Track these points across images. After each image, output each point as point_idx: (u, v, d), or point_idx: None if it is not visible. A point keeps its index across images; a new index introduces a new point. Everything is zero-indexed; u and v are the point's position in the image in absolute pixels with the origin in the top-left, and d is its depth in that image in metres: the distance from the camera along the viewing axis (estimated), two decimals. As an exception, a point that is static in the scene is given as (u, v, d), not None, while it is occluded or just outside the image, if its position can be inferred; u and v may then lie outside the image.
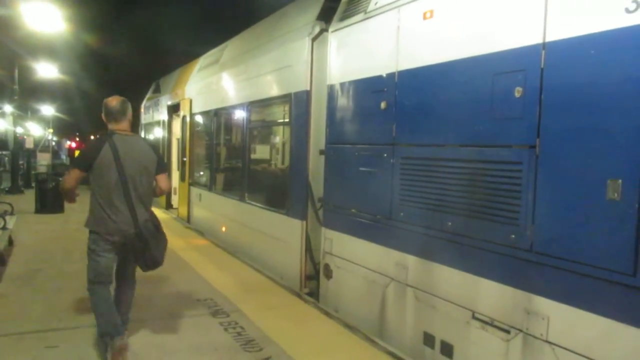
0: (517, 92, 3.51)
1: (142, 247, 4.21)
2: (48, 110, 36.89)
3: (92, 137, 5.16)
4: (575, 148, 3.16)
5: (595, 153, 3.04)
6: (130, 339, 4.60)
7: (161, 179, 4.49)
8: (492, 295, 3.74)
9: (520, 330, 3.51)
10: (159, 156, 4.54)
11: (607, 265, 2.96)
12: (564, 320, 3.22)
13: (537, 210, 3.38)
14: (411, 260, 4.58)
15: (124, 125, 4.34)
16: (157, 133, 15.80)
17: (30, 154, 23.47)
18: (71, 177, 4.17)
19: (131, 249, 4.25)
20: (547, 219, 3.31)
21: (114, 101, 4.34)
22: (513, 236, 3.54)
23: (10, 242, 8.35)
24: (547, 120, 3.34)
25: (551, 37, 3.32)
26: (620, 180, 2.89)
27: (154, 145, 4.82)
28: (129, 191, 4.16)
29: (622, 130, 2.90)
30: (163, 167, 4.56)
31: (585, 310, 3.09)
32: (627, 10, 2.88)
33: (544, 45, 3.36)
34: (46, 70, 19.29)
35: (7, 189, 16.95)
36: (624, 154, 2.89)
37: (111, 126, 4.31)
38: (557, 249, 3.25)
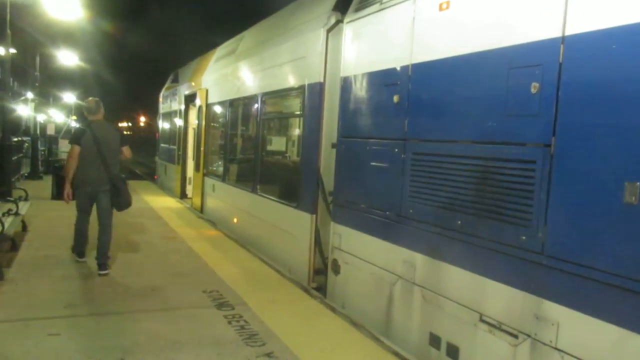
0: (534, 87, 3.36)
1: (116, 193, 6.46)
2: (70, 97, 37.34)
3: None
4: (592, 148, 3.00)
5: (613, 154, 2.89)
6: (133, 329, 4.59)
7: (124, 149, 6.70)
8: (501, 298, 3.60)
9: (529, 336, 3.37)
10: (121, 135, 6.90)
11: (623, 272, 2.81)
12: (575, 328, 3.08)
13: (550, 212, 3.23)
14: (419, 258, 4.46)
15: (99, 116, 6.65)
16: (174, 122, 15.85)
17: (52, 140, 23.76)
18: (74, 153, 6.40)
19: (109, 195, 6.45)
20: (561, 221, 3.17)
21: (91, 102, 6.73)
22: (524, 238, 3.40)
23: (24, 227, 8.44)
24: (564, 118, 3.18)
25: (571, 30, 3.16)
26: (638, 183, 2.74)
27: (117, 128, 7.57)
28: (105, 158, 6.39)
29: (643, 130, 2.74)
30: (124, 141, 6.77)
31: (598, 318, 2.94)
32: (653, 3, 2.71)
33: (563, 39, 3.20)
34: (67, 58, 19.45)
35: (26, 175, 17.15)
36: (643, 156, 2.73)
37: (90, 118, 6.67)
38: (570, 253, 3.10)
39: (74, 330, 4.51)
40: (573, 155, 3.12)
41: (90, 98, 6.85)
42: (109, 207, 6.50)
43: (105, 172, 6.36)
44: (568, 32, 3.18)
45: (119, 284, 5.87)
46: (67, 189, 6.42)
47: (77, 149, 6.38)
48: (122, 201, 6.52)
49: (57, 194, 12.36)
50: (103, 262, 6.26)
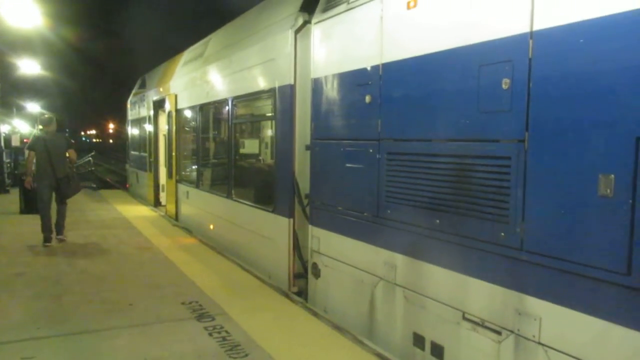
0: (505, 83, 3.36)
1: (58, 189, 8.64)
2: (34, 107, 36.39)
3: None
4: (565, 142, 3.01)
5: (586, 147, 2.90)
6: (111, 347, 4.46)
7: (70, 152, 8.85)
8: (483, 295, 3.61)
9: (512, 332, 3.38)
10: (68, 142, 9.18)
11: (601, 264, 2.83)
12: (556, 322, 3.10)
13: (527, 207, 3.24)
14: (399, 259, 4.44)
15: (51, 128, 8.83)
16: (144, 129, 15.55)
17: (18, 151, 23.04)
18: (30, 156, 8.78)
19: (55, 189, 8.64)
20: (538, 216, 3.18)
21: (45, 117, 9.11)
22: (503, 234, 3.40)
23: (-8, 245, 8.16)
24: (536, 113, 3.19)
25: (539, 25, 3.17)
26: (612, 176, 2.76)
27: (65, 137, 10.07)
28: (52, 162, 8.49)
29: (614, 124, 2.76)
30: (70, 146, 8.97)
31: (578, 311, 2.96)
32: (619, -4, 2.73)
33: (532, 34, 3.20)
34: (29, 67, 18.90)
35: (-8, 189, 16.60)
36: (616, 148, 2.75)
37: (44, 128, 8.82)
38: (548, 247, 3.12)
39: (49, 352, 4.36)
40: (547, 149, 3.13)
41: (45, 115, 9.42)
42: (61, 198, 8.82)
43: (53, 172, 8.52)
44: (536, 27, 3.19)
45: (94, 300, 5.71)
46: (28, 181, 8.78)
47: (32, 153, 8.72)
48: (63, 194, 8.75)
49: (26, 208, 12.03)
50: (60, 231, 8.78)
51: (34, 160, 8.67)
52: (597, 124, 2.85)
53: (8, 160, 20.38)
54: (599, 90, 2.84)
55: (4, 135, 20.80)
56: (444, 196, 3.90)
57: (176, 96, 11.69)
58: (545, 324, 3.17)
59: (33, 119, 41.74)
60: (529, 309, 3.26)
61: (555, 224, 3.08)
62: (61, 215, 8.86)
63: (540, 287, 3.19)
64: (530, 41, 3.21)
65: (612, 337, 2.79)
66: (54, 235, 8.69)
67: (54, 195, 8.71)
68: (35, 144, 8.62)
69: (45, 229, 8.51)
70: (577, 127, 2.96)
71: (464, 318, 3.76)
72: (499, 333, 3.49)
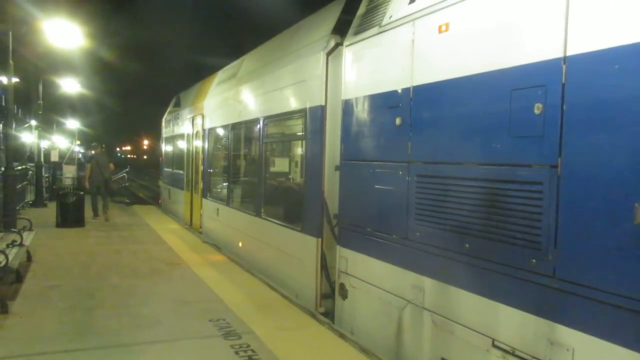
0: (537, 108, 3.33)
1: (105, 185, 14.40)
2: (73, 123, 37.58)
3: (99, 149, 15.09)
4: (600, 169, 2.96)
5: (621, 174, 2.84)
6: (139, 362, 4.53)
7: (110, 164, 14.79)
8: (513, 322, 3.53)
9: (543, 362, 3.29)
10: (109, 157, 16.01)
11: (637, 295, 2.75)
12: (591, 353, 3.00)
13: (559, 234, 3.17)
14: (428, 282, 4.39)
15: (99, 150, 15.07)
16: (177, 147, 15.84)
17: (57, 166, 23.80)
18: (87, 169, 14.63)
19: (102, 186, 14.31)
20: (571, 244, 3.11)
21: (95, 144, 15.69)
22: (534, 261, 3.34)
23: (29, 257, 8.39)
24: (569, 139, 3.14)
25: (572, 50, 3.14)
26: (649, 204, 2.69)
27: (108, 154, 16.92)
28: (100, 170, 14.21)
29: (651, 151, 2.70)
30: (110, 160, 15.09)
31: (614, 343, 2.87)
32: (655, 22, 2.69)
33: (565, 59, 3.18)
34: (69, 85, 19.59)
35: (31, 203, 17.14)
36: (653, 176, 2.68)
37: (93, 150, 15.49)
38: (581, 275, 3.04)
39: (80, 365, 4.45)
40: (580, 176, 3.08)
41: (94, 143, 15.75)
42: (105, 192, 14.26)
43: (102, 176, 14.03)
44: (570, 53, 3.16)
45: (124, 314, 5.80)
46: (86, 183, 14.19)
47: (89, 165, 14.40)
48: (107, 188, 14.34)
49: (63, 222, 12.38)
50: (105, 211, 13.93)
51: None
52: (632, 151, 2.79)
53: (47, 175, 21.06)
54: (634, 117, 2.79)
55: (43, 150, 21.53)
56: (473, 220, 3.86)
57: (209, 115, 11.92)
58: (578, 355, 3.07)
59: (72, 135, 43.17)
60: (562, 339, 3.17)
61: (589, 252, 3.01)
62: (107, 202, 14.22)
63: (573, 316, 3.11)
64: (564, 66, 3.18)
65: (650, 371, 2.69)
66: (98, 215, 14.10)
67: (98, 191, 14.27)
68: (91, 160, 14.69)
69: (94, 209, 14.06)
70: (612, 153, 2.90)
71: (494, 345, 3.68)
72: (529, 362, 3.40)
